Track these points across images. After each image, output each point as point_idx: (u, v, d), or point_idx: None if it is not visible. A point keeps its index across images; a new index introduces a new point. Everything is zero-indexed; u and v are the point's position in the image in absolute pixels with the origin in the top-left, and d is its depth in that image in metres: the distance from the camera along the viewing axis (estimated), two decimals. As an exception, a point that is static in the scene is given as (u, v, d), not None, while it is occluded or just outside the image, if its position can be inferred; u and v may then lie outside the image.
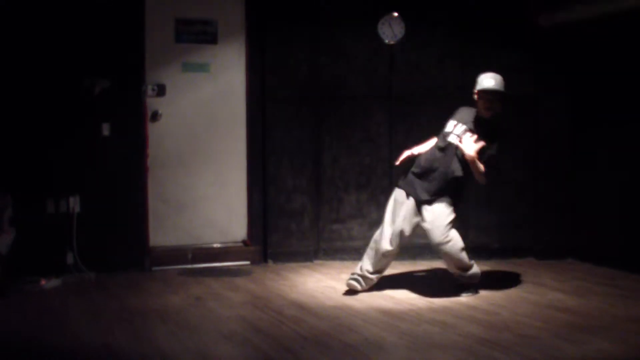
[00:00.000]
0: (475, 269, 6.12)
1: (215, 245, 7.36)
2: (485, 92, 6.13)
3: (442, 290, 6.27)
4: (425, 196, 6.01)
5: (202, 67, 7.29)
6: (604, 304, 5.85)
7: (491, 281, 6.60)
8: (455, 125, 6.16)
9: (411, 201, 6.07)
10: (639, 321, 5.36)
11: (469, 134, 6.04)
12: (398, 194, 6.17)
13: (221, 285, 6.45)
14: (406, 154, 6.21)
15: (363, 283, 6.09)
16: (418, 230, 7.54)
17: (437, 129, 7.56)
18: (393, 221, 6.09)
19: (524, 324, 5.25)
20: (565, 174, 7.69)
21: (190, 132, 7.28)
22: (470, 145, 5.92)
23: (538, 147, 7.70)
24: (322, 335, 5.01)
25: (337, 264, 7.33)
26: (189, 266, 7.10)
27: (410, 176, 6.14)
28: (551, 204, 7.70)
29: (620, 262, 7.00)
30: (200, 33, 7.26)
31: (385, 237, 6.06)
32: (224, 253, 7.31)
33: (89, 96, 6.76)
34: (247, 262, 7.30)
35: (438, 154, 6.11)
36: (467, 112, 6.25)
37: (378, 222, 7.43)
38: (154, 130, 7.12)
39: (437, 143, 6.19)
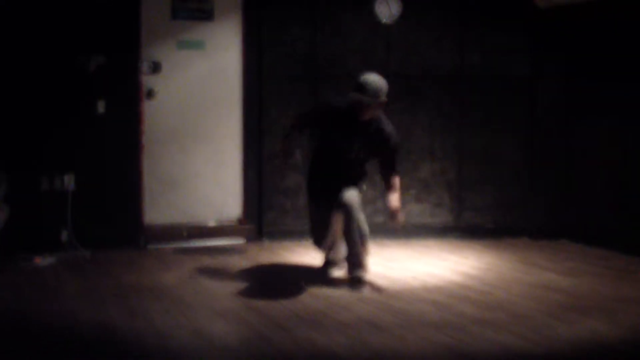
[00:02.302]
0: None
1: (210, 223, 7.37)
2: (363, 97, 5.54)
3: (436, 269, 6.30)
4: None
5: (198, 45, 7.26)
6: (597, 284, 5.88)
7: (485, 261, 6.63)
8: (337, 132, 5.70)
9: None
10: (631, 301, 5.39)
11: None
12: None
13: (216, 263, 6.46)
14: None
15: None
16: (411, 209, 7.59)
17: (434, 109, 7.61)
18: None
19: (517, 304, 5.27)
20: (559, 155, 7.70)
21: (185, 110, 7.26)
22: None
23: (533, 128, 7.71)
24: (316, 313, 5.02)
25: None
26: (184, 244, 7.11)
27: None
28: (545, 185, 7.72)
29: (613, 243, 7.02)
30: (196, 10, 7.22)
31: None
32: (219, 231, 7.31)
33: (84, 73, 6.74)
34: (242, 241, 7.31)
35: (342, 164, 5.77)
36: (341, 111, 5.70)
37: (373, 200, 7.47)
38: (149, 108, 7.10)
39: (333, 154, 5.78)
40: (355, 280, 5.67)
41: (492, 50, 7.65)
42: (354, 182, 5.76)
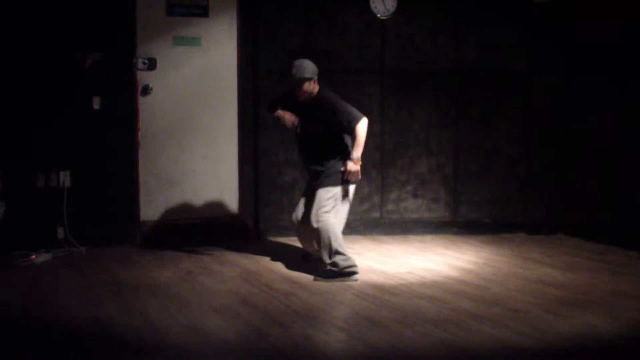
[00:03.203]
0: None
1: (206, 219, 7.35)
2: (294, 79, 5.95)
3: (433, 265, 6.30)
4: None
5: (194, 41, 7.24)
6: (594, 278, 5.88)
7: (482, 256, 6.63)
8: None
9: None
10: (628, 296, 5.39)
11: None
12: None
13: (212, 260, 6.45)
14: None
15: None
16: (408, 205, 7.59)
17: (429, 103, 7.60)
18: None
19: (514, 299, 5.27)
20: (556, 150, 7.70)
21: (181, 106, 7.25)
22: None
23: (531, 123, 7.70)
24: (313, 309, 5.02)
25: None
26: (180, 240, 7.08)
27: None
28: (542, 179, 7.72)
29: (610, 238, 7.03)
30: (191, 6, 7.20)
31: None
32: (215, 227, 7.30)
33: (80, 69, 6.72)
34: (239, 236, 7.30)
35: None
36: (289, 97, 6.13)
37: (369, 196, 7.47)
38: (144, 104, 7.08)
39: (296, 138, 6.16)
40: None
41: (488, 44, 7.64)
42: (328, 157, 5.97)
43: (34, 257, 6.29)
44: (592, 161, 7.42)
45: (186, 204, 7.30)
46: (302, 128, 6.05)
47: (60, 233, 6.69)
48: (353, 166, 5.89)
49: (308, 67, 5.94)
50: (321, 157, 6.00)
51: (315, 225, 5.89)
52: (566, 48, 7.59)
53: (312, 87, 5.97)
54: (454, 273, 6.02)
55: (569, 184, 7.66)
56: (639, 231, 6.84)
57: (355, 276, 5.80)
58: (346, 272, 5.80)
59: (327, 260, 5.84)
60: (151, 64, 7.02)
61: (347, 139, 6.00)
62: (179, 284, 5.67)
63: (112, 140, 6.91)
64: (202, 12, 7.24)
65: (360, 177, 5.98)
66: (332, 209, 5.92)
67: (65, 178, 6.74)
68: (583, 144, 7.53)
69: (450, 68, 7.60)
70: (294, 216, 6.25)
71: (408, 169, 7.61)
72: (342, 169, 5.91)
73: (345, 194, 5.99)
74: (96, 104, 6.83)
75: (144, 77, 7.04)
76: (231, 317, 4.89)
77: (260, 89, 7.33)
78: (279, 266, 6.24)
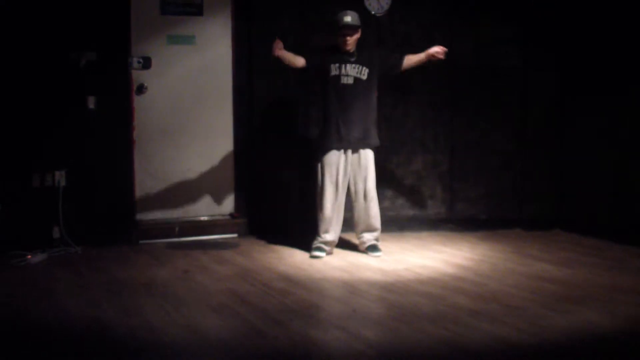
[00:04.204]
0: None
1: (202, 218, 7.35)
2: (344, 28, 6.28)
3: (429, 261, 6.29)
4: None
5: (188, 39, 7.23)
6: (591, 274, 5.88)
7: (478, 252, 6.63)
8: (338, 67, 6.31)
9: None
10: (625, 291, 5.39)
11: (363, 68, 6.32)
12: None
13: (209, 258, 6.44)
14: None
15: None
16: (404, 201, 7.58)
17: (425, 100, 7.59)
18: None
19: (511, 295, 5.27)
20: (552, 146, 7.71)
21: (176, 105, 7.24)
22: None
23: (526, 119, 7.72)
24: (310, 307, 5.02)
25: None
26: (176, 239, 7.09)
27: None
28: (538, 175, 7.73)
29: (607, 233, 7.04)
30: (185, 5, 7.19)
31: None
32: (211, 226, 7.29)
33: (75, 69, 6.71)
34: (235, 235, 7.30)
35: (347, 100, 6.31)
36: (331, 48, 6.40)
37: (366, 194, 7.44)
38: (140, 103, 7.07)
39: (331, 91, 6.34)
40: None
41: (484, 41, 7.64)
42: (372, 117, 6.40)
43: (29, 257, 6.27)
44: (588, 156, 7.42)
45: (182, 203, 7.29)
46: (346, 77, 6.26)
47: (56, 233, 6.67)
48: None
49: (358, 15, 6.30)
50: (368, 113, 6.34)
51: (369, 199, 6.40)
52: (561, 44, 7.60)
53: (359, 34, 6.29)
54: (450, 270, 6.02)
55: (565, 180, 7.67)
56: (635, 226, 6.85)
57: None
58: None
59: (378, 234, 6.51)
60: (146, 63, 7.01)
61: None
62: (176, 283, 5.66)
63: (108, 139, 6.89)
64: (197, 10, 7.23)
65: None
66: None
67: (60, 178, 6.72)
68: (579, 139, 7.54)
69: (445, 64, 7.58)
70: (328, 208, 6.37)
71: (404, 165, 7.61)
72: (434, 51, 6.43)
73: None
74: (91, 103, 6.81)
75: (139, 76, 7.03)
76: (228, 315, 4.88)
77: (255, 87, 7.31)
78: (276, 264, 6.23)
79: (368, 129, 6.34)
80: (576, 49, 7.48)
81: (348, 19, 6.23)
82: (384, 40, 7.46)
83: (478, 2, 7.57)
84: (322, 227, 6.40)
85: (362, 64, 6.30)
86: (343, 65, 6.28)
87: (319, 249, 6.42)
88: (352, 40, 6.28)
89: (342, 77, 6.27)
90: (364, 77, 6.28)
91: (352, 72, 6.26)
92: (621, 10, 6.98)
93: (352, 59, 6.30)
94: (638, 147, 6.93)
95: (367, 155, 6.37)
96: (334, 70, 6.28)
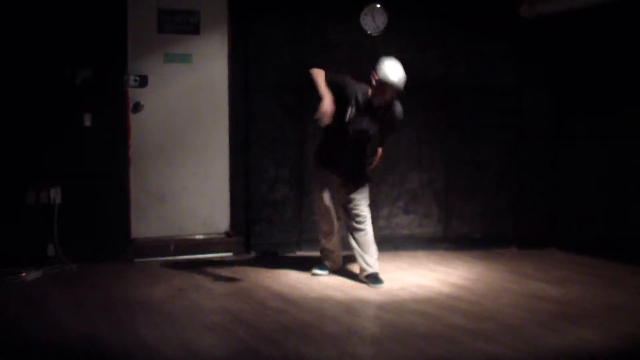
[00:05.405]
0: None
1: (197, 236, 7.34)
2: (387, 87, 5.93)
3: (425, 280, 6.29)
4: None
5: (185, 58, 7.25)
6: (586, 292, 5.88)
7: (474, 271, 6.63)
8: (355, 116, 6.03)
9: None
10: (621, 310, 5.40)
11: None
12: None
13: (204, 277, 6.43)
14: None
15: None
16: (400, 220, 7.59)
17: (419, 119, 7.61)
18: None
19: (506, 314, 5.27)
20: (546, 165, 7.73)
21: (172, 123, 7.24)
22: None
23: (520, 137, 7.74)
24: (305, 326, 5.00)
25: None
26: (172, 257, 7.07)
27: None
28: (533, 194, 7.74)
29: (602, 251, 7.04)
30: (182, 23, 7.21)
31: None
32: (206, 244, 7.29)
33: (71, 86, 6.71)
34: (230, 254, 7.29)
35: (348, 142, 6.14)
36: (360, 93, 6.05)
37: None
38: (136, 121, 7.07)
39: (337, 128, 6.01)
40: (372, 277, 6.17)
41: (478, 60, 7.68)
42: (365, 160, 6.28)
43: (24, 274, 6.24)
44: (582, 175, 7.44)
45: (177, 220, 7.28)
46: (358, 125, 6.03)
47: (51, 250, 6.65)
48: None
49: (405, 79, 5.95)
50: (363, 158, 6.23)
51: (361, 226, 6.22)
52: (554, 63, 7.63)
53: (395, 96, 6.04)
54: (446, 289, 6.02)
55: (560, 199, 7.68)
56: (630, 245, 6.86)
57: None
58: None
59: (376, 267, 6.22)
60: (142, 81, 7.02)
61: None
62: (171, 300, 5.64)
63: (103, 156, 6.89)
64: (193, 29, 7.25)
65: None
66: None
67: (55, 195, 6.71)
68: (573, 157, 7.56)
69: (440, 83, 7.62)
70: (327, 228, 6.38)
71: (399, 184, 7.62)
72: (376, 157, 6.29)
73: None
74: (87, 120, 6.81)
75: (135, 94, 7.04)
76: (223, 334, 4.87)
77: (251, 105, 7.33)
78: (270, 283, 6.22)
79: (360, 171, 6.25)
80: (570, 68, 7.52)
81: (396, 80, 5.86)
82: (378, 59, 7.46)
83: (472, 21, 7.61)
84: (322, 238, 6.45)
85: (377, 122, 6.09)
86: (360, 117, 6.02)
87: (321, 266, 6.45)
88: (385, 101, 6.01)
89: (353, 123, 6.03)
90: (372, 132, 6.12)
91: (364, 124, 6.05)
92: (614, 27, 7.02)
93: (371, 115, 6.04)
94: (632, 165, 6.95)
95: (360, 183, 6.29)
96: (349, 113, 6.00)
